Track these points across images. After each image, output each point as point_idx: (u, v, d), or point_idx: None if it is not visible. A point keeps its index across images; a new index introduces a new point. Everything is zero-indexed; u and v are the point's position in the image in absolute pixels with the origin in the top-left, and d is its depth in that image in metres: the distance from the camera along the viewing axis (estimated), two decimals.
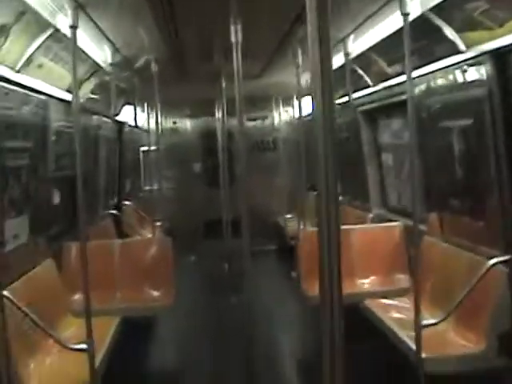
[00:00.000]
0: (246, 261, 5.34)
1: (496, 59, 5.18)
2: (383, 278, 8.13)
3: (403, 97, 7.28)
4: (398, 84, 7.32)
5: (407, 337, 5.81)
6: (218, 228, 11.15)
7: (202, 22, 6.56)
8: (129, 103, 10.80)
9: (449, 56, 5.63)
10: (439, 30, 5.44)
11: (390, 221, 8.88)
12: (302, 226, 9.90)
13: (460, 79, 5.78)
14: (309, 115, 9.17)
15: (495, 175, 5.49)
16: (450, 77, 5.94)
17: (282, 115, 14.75)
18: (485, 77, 5.36)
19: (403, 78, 6.89)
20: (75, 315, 6.75)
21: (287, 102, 13.85)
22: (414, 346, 5.38)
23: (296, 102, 11.98)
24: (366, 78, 8.03)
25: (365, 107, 8.99)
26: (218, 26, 5.79)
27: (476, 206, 6.00)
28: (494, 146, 5.42)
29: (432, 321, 5.33)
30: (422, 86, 6.46)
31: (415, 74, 6.45)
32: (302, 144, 9.09)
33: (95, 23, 6.03)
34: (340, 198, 11.37)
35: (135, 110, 10.23)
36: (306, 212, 9.65)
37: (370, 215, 9.83)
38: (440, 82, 6.16)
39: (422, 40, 5.68)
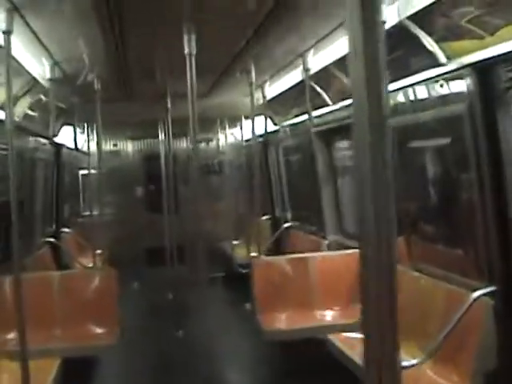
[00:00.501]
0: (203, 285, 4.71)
1: (480, 72, 4.73)
2: (346, 309, 7.65)
3: None
4: None
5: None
6: (162, 255, 10.65)
7: (151, 35, 5.99)
8: (67, 123, 10.14)
9: (426, 69, 5.16)
10: (417, 39, 4.97)
11: (348, 247, 8.40)
12: (253, 254, 9.42)
13: (435, 95, 5.34)
14: (260, 136, 8.67)
15: (477, 198, 5.04)
16: (424, 92, 5.50)
17: (228, 137, 14.23)
18: (465, 92, 4.91)
19: None
20: (9, 357, 6.03)
21: (233, 123, 13.35)
22: None
23: (244, 123, 11.57)
24: (325, 96, 7.54)
25: (321, 127, 8.49)
26: (167, 41, 5.45)
27: (453, 231, 5.58)
28: (476, 167, 4.97)
29: (413, 361, 4.84)
30: (390, 103, 5.98)
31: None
32: (256, 166, 8.55)
33: (33, 31, 5.38)
34: (290, 223, 10.94)
35: (75, 131, 9.59)
36: (256, 238, 9.14)
37: (326, 242, 9.34)
38: (412, 98, 5.70)
39: (396, 51, 5.19)
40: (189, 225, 10.58)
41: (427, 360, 4.96)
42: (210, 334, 7.66)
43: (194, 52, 4.71)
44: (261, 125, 8.62)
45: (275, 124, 10.32)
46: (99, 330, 7.21)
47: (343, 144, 9.03)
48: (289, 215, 11.80)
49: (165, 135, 10.84)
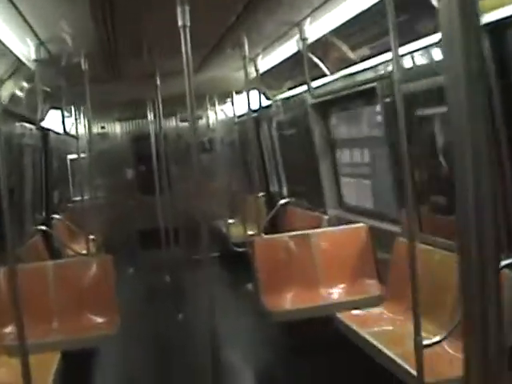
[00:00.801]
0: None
1: (494, 33, 4.46)
2: (352, 285, 7.44)
3: (367, 85, 6.67)
4: (362, 70, 6.59)
5: (399, 357, 5.09)
6: (155, 237, 10.34)
7: (140, 10, 5.70)
8: (54, 107, 9.81)
9: (435, 33, 4.88)
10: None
11: (350, 222, 8.17)
12: (250, 232, 9.20)
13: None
14: (253, 111, 8.40)
15: (495, 164, 4.78)
16: (431, 57, 5.24)
17: (218, 114, 13.91)
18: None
19: (368, 63, 6.24)
20: (7, 353, 5.78)
21: (223, 99, 13.04)
22: (410, 369, 4.67)
23: (235, 98, 11.28)
24: (322, 67, 7.25)
25: (318, 99, 8.21)
26: (157, 15, 5.23)
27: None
28: (492, 129, 4.71)
29: (434, 339, 4.60)
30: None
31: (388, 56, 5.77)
32: (249, 142, 8.30)
33: (17, 9, 5.07)
34: (287, 200, 10.70)
35: (63, 114, 9.27)
36: (251, 216, 8.93)
37: (326, 217, 9.10)
38: (419, 63, 5.44)
39: (406, 13, 4.90)
40: (181, 205, 10.40)
41: (447, 338, 4.71)
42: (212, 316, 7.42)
43: (189, 24, 4.44)
44: (253, 100, 8.32)
45: (268, 98, 10.03)
46: (98, 320, 6.96)
47: (341, 115, 8.76)
48: (284, 191, 11.56)
49: (154, 115, 10.55)
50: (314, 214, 9.50)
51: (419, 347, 4.38)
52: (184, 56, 4.44)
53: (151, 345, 8.43)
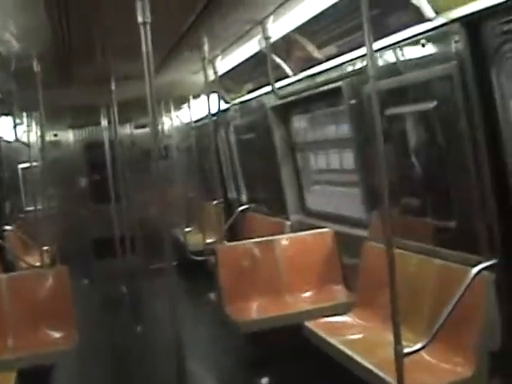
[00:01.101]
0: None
1: (471, 27, 4.30)
2: (319, 292, 7.28)
3: (332, 85, 6.48)
4: (327, 70, 6.39)
5: (376, 367, 4.89)
6: (111, 246, 10.08)
7: (95, 8, 5.40)
8: (4, 113, 9.45)
9: (410, 26, 4.69)
10: None
11: (313, 227, 7.97)
12: (208, 240, 9.01)
13: (418, 55, 4.91)
14: (212, 115, 8.16)
15: (472, 165, 4.63)
16: (406, 52, 5.06)
17: (174, 120, 13.62)
18: (453, 50, 4.48)
19: (334, 62, 6.05)
20: None
21: (178, 105, 12.76)
22: (389, 379, 4.48)
23: (193, 103, 11.04)
24: (285, 67, 7.02)
25: (278, 102, 7.99)
26: (114, 14, 5.10)
27: (445, 203, 5.15)
28: (469, 131, 4.55)
29: (415, 347, 4.42)
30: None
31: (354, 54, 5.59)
32: (206, 148, 8.08)
33: None
34: (246, 206, 10.51)
35: (14, 121, 8.92)
36: (209, 224, 8.72)
37: (288, 222, 8.88)
38: (393, 58, 5.26)
39: (378, 7, 4.69)
40: (137, 213, 10.11)
41: (429, 345, 4.52)
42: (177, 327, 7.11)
43: (149, 20, 4.17)
44: (212, 104, 8.07)
45: (227, 102, 9.78)
46: (56, 335, 6.66)
47: (302, 118, 8.56)
48: (243, 197, 11.33)
49: (109, 121, 10.25)
50: (275, 219, 9.29)
51: (399, 356, 4.17)
52: (144, 56, 4.17)
53: (110, 358, 8.09)
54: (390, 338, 4.98)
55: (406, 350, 4.21)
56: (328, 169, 8.71)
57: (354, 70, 6.03)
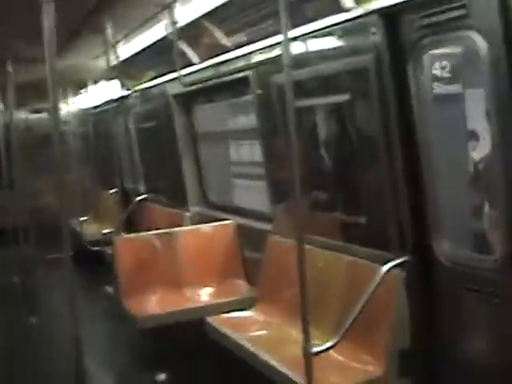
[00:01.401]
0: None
1: (389, 20, 4.21)
2: (221, 287, 7.09)
3: (239, 74, 6.33)
4: (235, 58, 6.21)
5: (282, 365, 4.76)
6: (2, 236, 9.76)
7: None
8: None
9: (328, 16, 4.57)
10: None
11: (215, 219, 7.79)
12: (105, 231, 8.72)
13: (334, 46, 4.79)
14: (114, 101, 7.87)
15: (384, 160, 4.55)
16: (325, 42, 4.94)
17: (72, 106, 13.16)
18: (370, 42, 4.39)
19: (243, 50, 5.89)
20: None
21: (77, 90, 12.34)
22: (297, 378, 4.35)
23: (92, 89, 10.70)
24: (192, 54, 6.80)
25: (181, 90, 7.76)
26: None
27: (355, 198, 5.07)
28: (383, 125, 4.47)
29: (325, 345, 4.32)
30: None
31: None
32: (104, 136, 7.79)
33: None
34: (144, 196, 10.26)
35: None
36: (105, 214, 8.42)
37: (188, 214, 8.66)
38: (310, 49, 5.13)
39: None
40: (31, 201, 9.69)
41: (338, 343, 4.42)
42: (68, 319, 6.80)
43: None
44: (111, 90, 7.79)
45: (128, 89, 9.47)
46: None
47: (207, 107, 8.36)
48: (141, 187, 11.03)
49: (4, 104, 9.79)
50: (174, 211, 9.05)
51: (308, 355, 4.05)
52: (45, 37, 3.89)
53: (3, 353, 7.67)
54: (296, 334, 4.91)
55: (315, 349, 4.09)
56: (233, 161, 8.52)
57: (263, 60, 5.88)
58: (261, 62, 5.91)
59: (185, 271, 7.16)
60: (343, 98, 4.87)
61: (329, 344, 4.37)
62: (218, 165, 8.71)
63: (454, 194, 4.58)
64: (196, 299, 6.93)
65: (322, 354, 4.32)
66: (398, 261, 4.52)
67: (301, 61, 5.04)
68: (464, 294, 4.18)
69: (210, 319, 6.01)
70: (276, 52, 5.39)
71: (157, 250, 7.25)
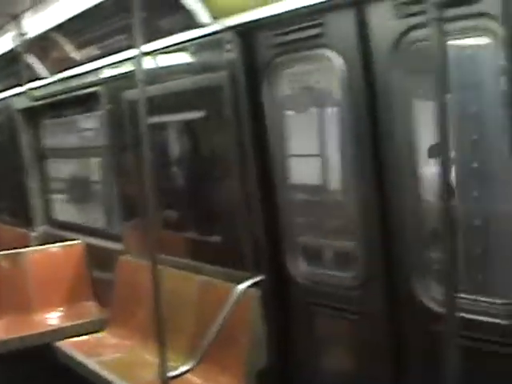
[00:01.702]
0: None
1: (244, 37, 4.20)
2: (71, 309, 6.81)
3: (89, 89, 6.16)
4: (85, 73, 6.02)
5: None
6: None
7: None
8: None
9: (183, 30, 4.49)
10: None
11: (63, 239, 7.49)
12: None
13: (189, 61, 4.73)
14: None
15: (238, 178, 4.53)
16: (180, 58, 4.87)
17: None
18: (225, 59, 4.35)
19: (95, 64, 5.73)
20: None
21: None
22: None
23: None
24: (40, 67, 6.53)
25: (28, 105, 7.46)
26: None
27: (208, 217, 5.00)
28: (237, 144, 4.45)
29: (181, 369, 4.22)
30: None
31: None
32: None
33: None
34: None
35: None
36: None
37: (34, 233, 8.29)
38: (164, 64, 5.04)
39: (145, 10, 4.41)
40: None
41: (196, 365, 4.32)
42: None
43: None
44: None
45: None
46: None
47: (54, 122, 8.06)
48: None
49: None
50: (19, 230, 8.64)
51: (165, 379, 3.94)
52: None
53: None
54: (150, 357, 4.81)
55: (171, 373, 3.99)
56: (80, 178, 8.24)
57: (114, 75, 5.74)
58: (111, 77, 5.77)
59: (32, 294, 6.81)
60: (197, 115, 4.80)
61: (186, 367, 4.29)
62: (66, 182, 8.40)
63: (308, 212, 4.60)
64: (44, 323, 6.61)
65: (179, 378, 4.23)
66: (253, 280, 4.49)
67: (155, 76, 4.94)
68: (320, 312, 4.21)
69: (60, 343, 5.78)
70: (128, 67, 5.28)
71: (1, 271, 6.88)
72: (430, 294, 3.54)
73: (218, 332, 4.35)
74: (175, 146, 5.31)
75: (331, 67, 3.80)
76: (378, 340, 3.84)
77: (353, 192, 3.90)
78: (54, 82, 6.60)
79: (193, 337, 4.84)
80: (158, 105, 5.11)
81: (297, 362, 4.41)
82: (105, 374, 5.01)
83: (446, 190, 2.20)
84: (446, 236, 2.19)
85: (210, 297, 4.90)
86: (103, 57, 5.65)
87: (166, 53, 4.94)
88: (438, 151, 2.23)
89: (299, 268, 4.37)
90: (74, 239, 7.31)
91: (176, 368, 4.23)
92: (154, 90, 4.97)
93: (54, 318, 6.71)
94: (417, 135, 3.45)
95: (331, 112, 4.19)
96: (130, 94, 5.59)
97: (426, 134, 3.35)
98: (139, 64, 3.83)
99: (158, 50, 4.86)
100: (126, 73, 5.44)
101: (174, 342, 4.68)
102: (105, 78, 5.93)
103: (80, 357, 5.45)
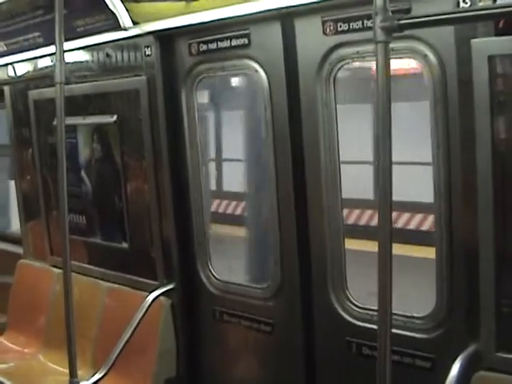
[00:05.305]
0: None
1: (165, 42, 4.16)
2: None
3: None
4: None
5: None
6: None
7: None
8: None
9: (102, 32, 4.38)
10: None
11: None
12: None
13: (107, 64, 4.64)
14: None
15: (152, 189, 4.48)
16: (89, 60, 4.79)
17: None
18: (144, 64, 4.30)
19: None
20: None
21: None
22: None
23: None
24: None
25: None
26: None
27: (118, 225, 4.90)
28: (153, 150, 4.41)
29: (93, 379, 4.12)
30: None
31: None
32: None
33: None
34: None
35: None
36: None
37: None
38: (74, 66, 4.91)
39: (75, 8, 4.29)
40: None
41: (105, 375, 4.22)
42: None
43: None
44: None
45: None
46: None
47: None
48: None
49: None
50: None
51: None
52: None
53: None
54: (52, 365, 4.66)
55: (81, 383, 3.87)
56: None
57: (22, 74, 5.58)
58: (19, 76, 5.59)
59: None
60: (110, 119, 4.70)
61: (96, 377, 4.16)
62: None
63: (221, 218, 4.60)
64: None
65: None
66: (163, 288, 4.45)
67: (69, 77, 4.80)
68: (233, 322, 4.21)
69: None
70: (40, 66, 5.16)
71: None
72: (346, 305, 3.60)
73: (127, 341, 4.27)
74: (85, 150, 5.17)
75: (254, 79, 3.82)
76: (291, 351, 3.87)
77: (268, 199, 3.93)
78: None
79: (99, 346, 4.74)
80: (71, 106, 4.99)
81: (207, 372, 4.39)
82: (3, 381, 4.83)
83: (384, 200, 2.23)
84: (381, 246, 2.23)
85: (118, 305, 4.81)
86: (12, 54, 5.46)
87: (85, 54, 4.83)
88: (376, 159, 2.27)
89: (212, 277, 4.35)
90: None
91: (83, 377, 4.09)
92: (70, 91, 4.86)
93: None
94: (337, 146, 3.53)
95: (251, 122, 4.21)
96: (36, 94, 5.45)
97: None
98: (60, 62, 3.67)
99: (76, 49, 4.74)
100: (35, 72, 5.31)
101: (81, 351, 4.57)
102: (11, 77, 5.74)
103: None
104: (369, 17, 2.10)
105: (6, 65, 5.70)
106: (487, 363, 2.85)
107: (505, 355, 2.79)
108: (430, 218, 8.17)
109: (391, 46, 2.21)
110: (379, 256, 2.24)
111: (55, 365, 5.00)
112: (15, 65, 5.65)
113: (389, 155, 2.22)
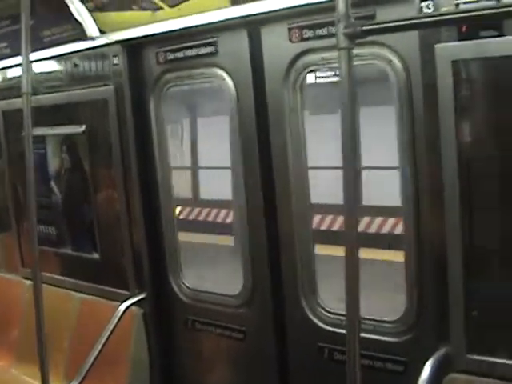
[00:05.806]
0: None
1: (132, 52, 4.15)
2: None
3: None
4: None
5: None
6: None
7: None
8: None
9: (68, 42, 4.37)
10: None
11: None
12: None
13: (72, 74, 4.63)
14: None
15: (121, 198, 4.46)
16: (56, 70, 4.76)
17: None
18: (112, 73, 4.28)
19: None
20: None
21: None
22: None
23: None
24: None
25: None
26: None
27: (87, 235, 4.88)
28: (121, 161, 4.40)
29: None
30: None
31: None
32: None
33: None
34: None
35: None
36: None
37: None
38: (41, 76, 4.88)
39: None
40: None
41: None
42: None
43: None
44: None
45: None
46: None
47: None
48: None
49: None
50: None
51: None
52: None
53: None
54: (25, 378, 4.61)
55: None
56: None
57: None
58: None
59: None
60: (79, 129, 4.67)
61: None
62: None
63: (188, 227, 4.59)
64: None
65: None
66: (135, 298, 4.43)
67: (37, 88, 4.78)
68: (205, 330, 4.20)
69: None
70: (9, 76, 5.13)
71: None
72: (317, 311, 3.62)
73: (100, 352, 4.23)
74: (55, 160, 5.14)
75: (221, 87, 3.83)
76: (264, 357, 3.88)
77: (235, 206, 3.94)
78: None
79: (72, 358, 4.70)
80: (39, 117, 4.95)
81: (180, 381, 4.38)
82: None
83: (350, 205, 2.24)
84: (348, 251, 2.24)
85: (90, 316, 4.77)
86: None
87: (52, 64, 4.80)
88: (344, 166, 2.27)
89: (183, 285, 4.35)
90: None
91: None
92: (35, 100, 4.82)
93: None
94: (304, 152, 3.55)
95: (218, 131, 4.21)
96: (4, 105, 5.41)
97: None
98: (26, 73, 3.64)
99: (43, 59, 4.71)
100: (1, 82, 5.28)
101: (53, 363, 4.53)
102: None
103: None
104: (333, 23, 2.12)
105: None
106: (458, 365, 2.86)
107: (475, 357, 2.80)
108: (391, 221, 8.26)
109: (356, 51, 2.22)
110: (346, 261, 2.25)
111: (28, 377, 4.95)
112: None
113: (354, 160, 2.23)
